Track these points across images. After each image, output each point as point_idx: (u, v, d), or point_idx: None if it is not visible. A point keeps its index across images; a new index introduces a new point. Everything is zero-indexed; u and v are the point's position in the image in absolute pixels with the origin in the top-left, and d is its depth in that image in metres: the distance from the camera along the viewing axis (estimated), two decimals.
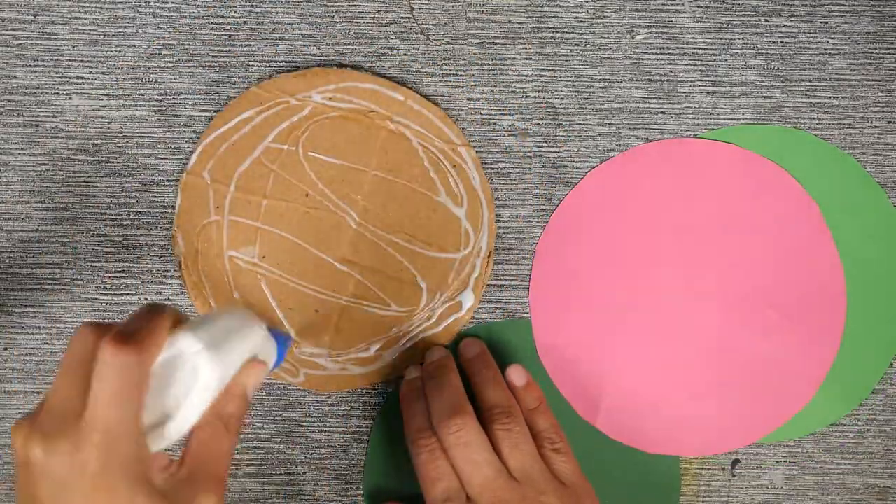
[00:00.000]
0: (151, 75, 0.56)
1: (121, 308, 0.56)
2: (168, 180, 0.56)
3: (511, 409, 0.52)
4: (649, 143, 0.56)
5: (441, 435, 0.50)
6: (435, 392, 0.52)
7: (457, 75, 0.57)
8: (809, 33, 0.57)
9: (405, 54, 0.56)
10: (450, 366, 0.54)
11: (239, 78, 0.56)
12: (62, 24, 0.56)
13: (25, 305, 0.56)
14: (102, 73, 0.56)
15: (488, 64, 0.57)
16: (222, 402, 0.43)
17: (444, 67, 0.57)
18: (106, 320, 0.56)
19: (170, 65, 0.56)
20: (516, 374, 0.54)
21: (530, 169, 0.57)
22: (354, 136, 0.57)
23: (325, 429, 0.57)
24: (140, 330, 0.40)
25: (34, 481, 0.39)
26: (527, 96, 0.57)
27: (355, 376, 0.57)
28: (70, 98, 0.56)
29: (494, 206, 0.57)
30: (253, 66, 0.56)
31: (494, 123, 0.57)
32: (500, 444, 0.50)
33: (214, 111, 0.56)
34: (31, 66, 0.56)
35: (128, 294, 0.56)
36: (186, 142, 0.56)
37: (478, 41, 0.57)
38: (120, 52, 0.56)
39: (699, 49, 0.57)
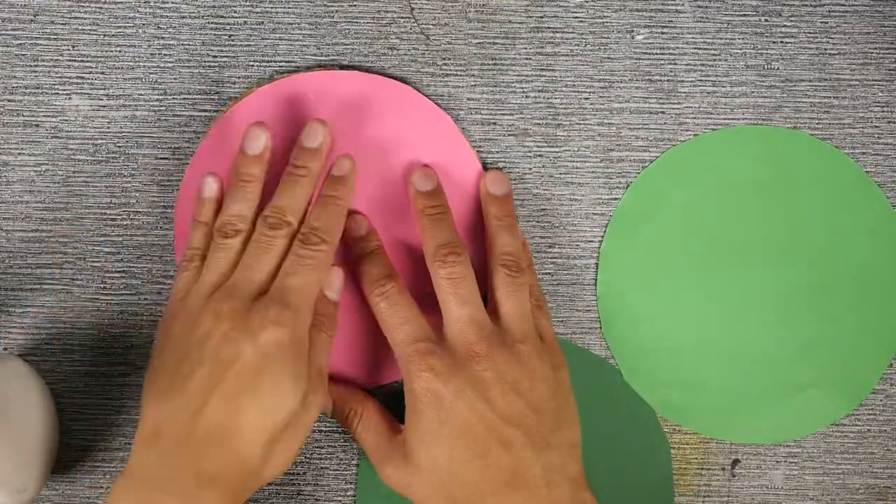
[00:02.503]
0: (151, 75, 0.56)
1: (121, 308, 0.56)
2: (168, 180, 0.56)
3: (521, 263, 0.52)
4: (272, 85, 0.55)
5: (434, 268, 0.51)
6: (432, 225, 0.53)
7: (457, 75, 0.57)
8: (809, 33, 0.57)
9: (405, 54, 0.56)
10: (446, 203, 0.54)
11: (239, 78, 0.56)
12: (62, 24, 0.56)
13: (25, 305, 0.56)
14: (102, 73, 0.56)
15: (488, 64, 0.57)
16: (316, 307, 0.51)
17: (444, 67, 0.57)
18: None
19: (170, 65, 0.56)
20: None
21: (530, 169, 0.57)
22: None
23: (325, 429, 0.57)
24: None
25: None
26: (527, 96, 0.57)
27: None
28: (70, 98, 0.56)
29: None
30: (253, 66, 0.56)
31: (494, 123, 0.57)
32: (503, 288, 0.51)
33: (214, 111, 0.56)
34: (31, 66, 0.56)
35: (128, 294, 0.56)
36: (186, 142, 0.56)
37: (478, 41, 0.57)
38: (120, 52, 0.56)
39: (699, 49, 0.57)
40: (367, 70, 0.56)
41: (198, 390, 0.47)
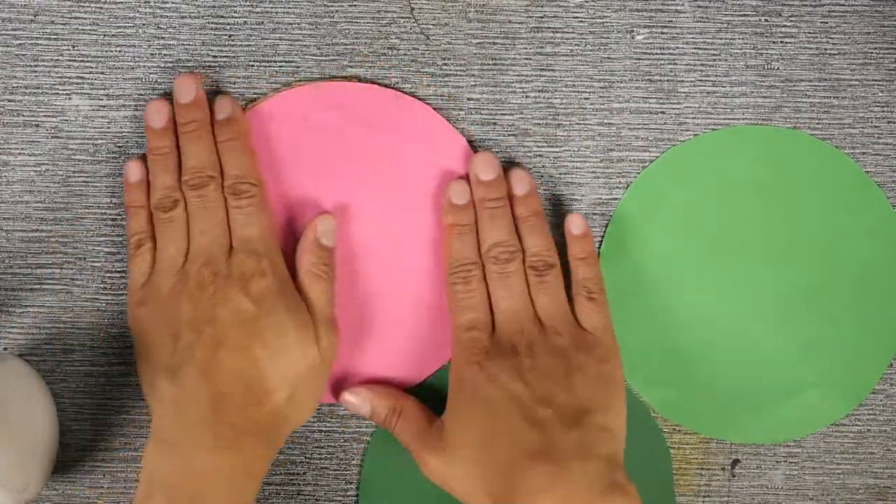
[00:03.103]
0: (151, 75, 0.56)
1: (121, 308, 0.56)
2: None
3: (551, 261, 0.54)
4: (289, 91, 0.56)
5: (488, 263, 0.53)
6: (491, 222, 0.54)
7: (457, 75, 0.57)
8: (809, 33, 0.57)
9: (405, 54, 0.56)
10: (505, 196, 0.54)
11: (239, 78, 0.56)
12: (62, 24, 0.56)
13: (25, 305, 0.56)
14: (102, 73, 0.56)
15: (488, 64, 0.57)
16: (300, 258, 0.53)
17: (444, 67, 0.57)
18: None
19: (170, 65, 0.56)
20: (576, 223, 0.55)
21: (530, 169, 0.57)
22: None
23: (325, 429, 0.57)
24: None
25: None
26: (527, 96, 0.57)
27: None
28: (70, 98, 0.56)
29: None
30: (253, 66, 0.56)
31: (494, 123, 0.57)
32: (532, 287, 0.53)
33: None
34: (31, 66, 0.56)
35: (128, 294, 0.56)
36: None
37: (478, 41, 0.57)
38: (120, 52, 0.56)
39: (699, 49, 0.57)
40: (369, 72, 0.56)
41: (205, 355, 0.48)
